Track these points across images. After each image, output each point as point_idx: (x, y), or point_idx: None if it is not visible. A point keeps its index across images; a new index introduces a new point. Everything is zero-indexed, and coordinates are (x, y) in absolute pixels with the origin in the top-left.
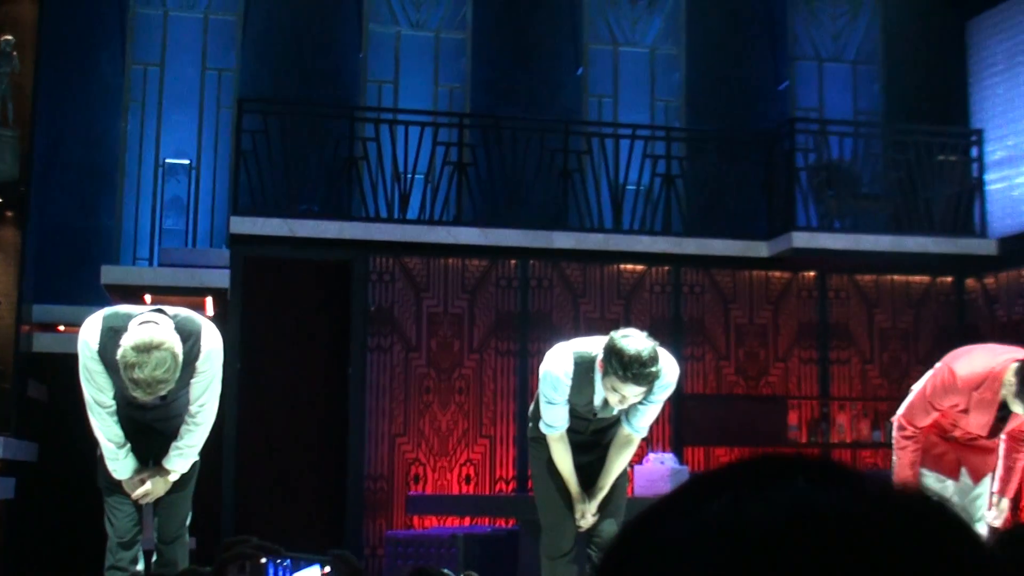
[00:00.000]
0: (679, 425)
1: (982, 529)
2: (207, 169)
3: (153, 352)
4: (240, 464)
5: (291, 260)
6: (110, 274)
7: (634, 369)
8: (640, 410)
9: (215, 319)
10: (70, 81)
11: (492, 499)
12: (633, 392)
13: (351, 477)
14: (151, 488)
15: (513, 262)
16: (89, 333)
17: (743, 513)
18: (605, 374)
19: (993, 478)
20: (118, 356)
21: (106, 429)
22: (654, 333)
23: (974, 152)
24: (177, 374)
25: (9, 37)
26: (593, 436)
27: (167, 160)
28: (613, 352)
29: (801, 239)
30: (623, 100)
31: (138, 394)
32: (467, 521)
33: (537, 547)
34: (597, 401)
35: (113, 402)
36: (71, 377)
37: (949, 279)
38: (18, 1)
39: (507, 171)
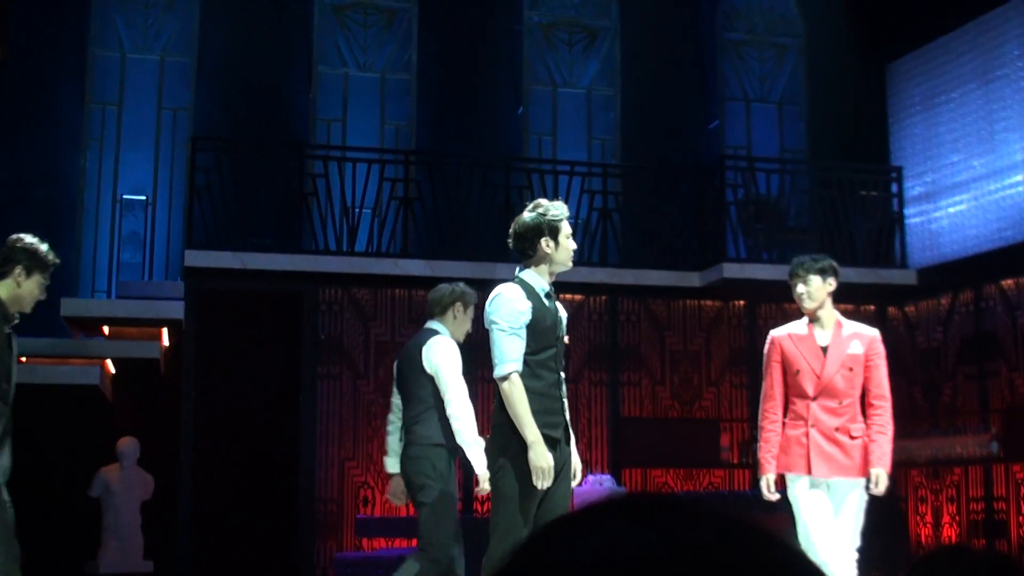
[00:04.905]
0: (617, 448)
1: (852, 509)
2: (163, 205)
3: None
4: (195, 488)
5: (244, 292)
6: (69, 306)
7: (542, 204)
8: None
9: (171, 349)
10: (31, 120)
11: None
12: (565, 211)
13: (302, 500)
14: None
15: None
16: None
17: (549, 558)
18: (545, 233)
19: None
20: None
21: None
22: (593, 360)
23: (894, 188)
24: None
25: None
26: (559, 371)
27: (124, 196)
28: (537, 210)
29: (731, 270)
30: (561, 138)
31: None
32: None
33: (478, 566)
34: (548, 304)
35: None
36: (30, 404)
37: (872, 307)
38: None
39: (451, 206)
